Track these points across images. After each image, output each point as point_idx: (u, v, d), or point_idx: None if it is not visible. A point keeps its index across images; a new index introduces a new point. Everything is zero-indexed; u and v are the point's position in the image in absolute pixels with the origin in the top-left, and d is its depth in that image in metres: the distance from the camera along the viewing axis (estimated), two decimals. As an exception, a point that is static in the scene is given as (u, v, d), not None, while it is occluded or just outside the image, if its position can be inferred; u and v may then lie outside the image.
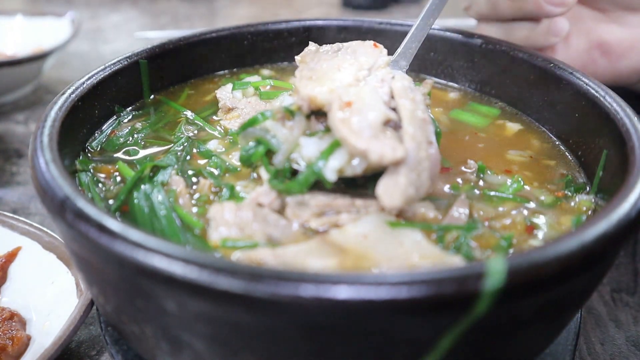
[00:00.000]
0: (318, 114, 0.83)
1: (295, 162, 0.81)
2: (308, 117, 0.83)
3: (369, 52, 0.92)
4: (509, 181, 0.89)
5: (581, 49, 1.24)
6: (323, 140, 0.81)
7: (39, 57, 1.80)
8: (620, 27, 1.24)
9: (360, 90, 0.81)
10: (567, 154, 0.99)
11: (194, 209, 0.83)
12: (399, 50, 0.99)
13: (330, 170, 0.77)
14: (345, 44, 0.95)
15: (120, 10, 2.87)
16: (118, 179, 0.89)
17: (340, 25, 1.26)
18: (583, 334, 1.01)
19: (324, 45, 0.95)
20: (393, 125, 0.79)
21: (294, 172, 0.82)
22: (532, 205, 0.85)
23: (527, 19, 1.20)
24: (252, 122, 0.85)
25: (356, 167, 0.77)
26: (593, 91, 0.93)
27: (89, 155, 0.94)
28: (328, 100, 0.81)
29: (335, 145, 0.78)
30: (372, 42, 0.94)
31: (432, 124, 0.81)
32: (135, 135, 1.00)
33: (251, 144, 0.86)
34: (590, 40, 1.24)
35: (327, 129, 0.81)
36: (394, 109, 0.81)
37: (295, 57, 0.94)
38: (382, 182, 0.74)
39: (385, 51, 0.93)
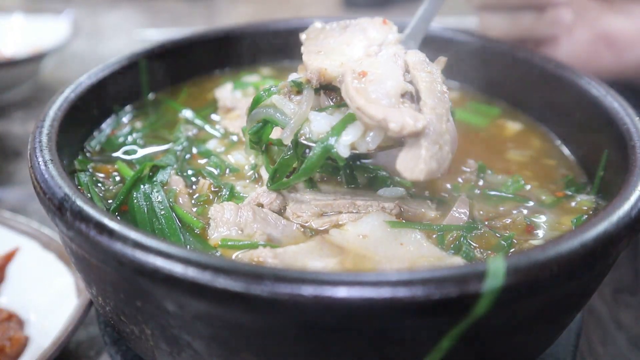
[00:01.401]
0: (327, 89, 0.79)
1: (305, 137, 0.77)
2: (317, 92, 0.79)
3: (378, 28, 0.87)
4: (509, 181, 0.89)
5: (585, 41, 1.22)
6: (334, 115, 0.76)
7: (37, 58, 1.80)
8: (625, 18, 1.22)
9: (375, 61, 0.77)
10: (568, 153, 0.99)
11: (194, 209, 0.82)
12: (407, 30, 0.95)
13: (343, 146, 0.73)
14: (353, 20, 0.90)
15: (119, 9, 2.87)
16: (117, 178, 0.89)
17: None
18: (584, 334, 1.01)
19: (331, 22, 0.91)
20: (410, 98, 0.74)
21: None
22: (532, 204, 0.85)
23: (532, 7, 1.19)
24: (257, 101, 0.80)
25: (370, 142, 0.73)
26: (594, 90, 0.93)
27: (88, 154, 0.94)
28: (339, 73, 0.76)
29: (348, 119, 0.74)
30: (381, 18, 0.89)
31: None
32: (135, 135, 1.00)
33: (259, 124, 0.81)
34: (594, 32, 1.22)
35: (338, 105, 0.77)
36: (410, 83, 0.76)
37: (300, 34, 0.90)
38: (402, 156, 0.70)
39: (395, 28, 0.89)
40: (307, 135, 0.77)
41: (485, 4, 1.27)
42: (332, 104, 0.78)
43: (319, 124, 0.76)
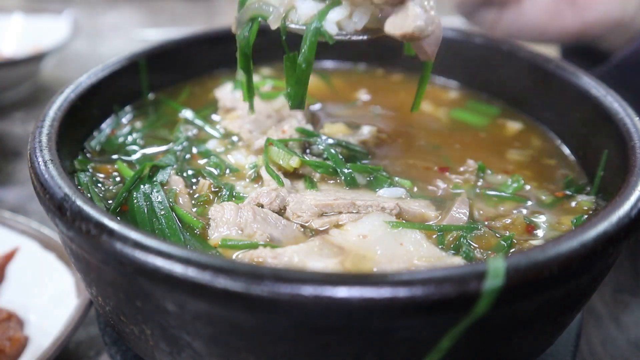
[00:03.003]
0: None
1: (292, 22, 0.79)
2: None
3: None
4: (509, 180, 0.89)
5: (548, 1, 1.23)
6: (320, 3, 0.79)
7: (37, 58, 1.80)
8: None
9: None
10: (568, 153, 0.99)
11: (194, 209, 0.82)
12: None
13: (331, 23, 0.76)
14: None
15: (119, 9, 2.87)
16: (117, 178, 0.89)
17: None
18: (584, 334, 1.01)
19: None
20: None
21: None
22: (532, 204, 0.85)
23: None
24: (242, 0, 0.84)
25: (357, 22, 0.76)
26: (594, 90, 0.93)
27: (88, 155, 0.94)
28: None
29: (334, 2, 0.77)
30: None
31: None
32: (135, 135, 1.00)
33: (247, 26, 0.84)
34: None
35: None
36: None
37: None
38: (390, 20, 0.74)
39: None
40: (295, 20, 0.79)
41: None
42: None
43: (306, 7, 0.78)
